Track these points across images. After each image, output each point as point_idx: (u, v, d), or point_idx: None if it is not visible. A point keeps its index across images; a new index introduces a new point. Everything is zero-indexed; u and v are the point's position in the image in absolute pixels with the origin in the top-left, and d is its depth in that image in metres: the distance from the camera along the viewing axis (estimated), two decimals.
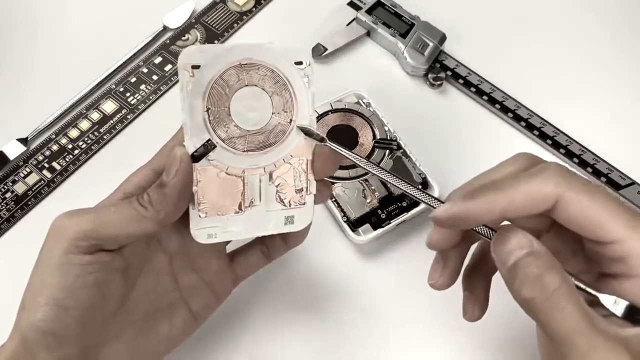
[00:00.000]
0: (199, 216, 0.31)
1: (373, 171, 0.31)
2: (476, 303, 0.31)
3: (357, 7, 0.53)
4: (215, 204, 0.31)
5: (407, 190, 0.31)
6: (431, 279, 0.31)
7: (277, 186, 0.32)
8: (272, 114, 0.31)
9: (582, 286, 0.28)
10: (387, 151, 0.45)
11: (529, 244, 0.27)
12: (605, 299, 0.27)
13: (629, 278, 0.26)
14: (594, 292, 0.27)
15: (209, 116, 0.30)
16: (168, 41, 0.53)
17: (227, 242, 0.36)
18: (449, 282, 0.31)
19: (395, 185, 0.31)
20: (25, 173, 0.47)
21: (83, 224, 0.29)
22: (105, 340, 0.31)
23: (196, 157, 0.30)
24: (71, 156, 0.47)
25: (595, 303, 0.27)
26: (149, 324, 0.33)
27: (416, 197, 0.30)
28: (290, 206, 0.32)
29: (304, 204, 0.33)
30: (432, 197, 0.30)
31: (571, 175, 0.27)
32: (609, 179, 0.46)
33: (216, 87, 0.30)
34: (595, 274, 0.29)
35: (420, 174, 0.44)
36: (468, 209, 0.28)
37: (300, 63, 0.31)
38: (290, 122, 0.32)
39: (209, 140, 0.30)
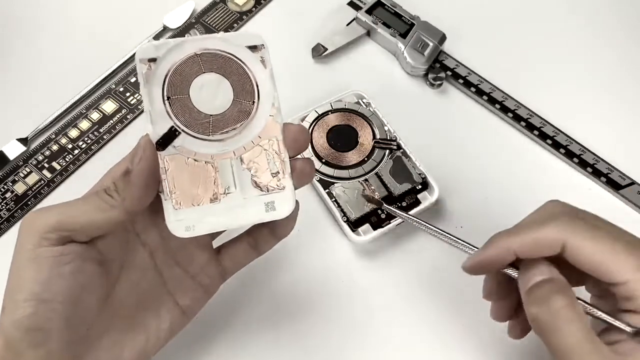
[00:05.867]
0: (173, 207, 0.31)
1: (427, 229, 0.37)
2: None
3: (357, 7, 0.53)
4: (188, 193, 0.31)
5: (452, 243, 0.35)
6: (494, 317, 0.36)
7: (250, 170, 0.32)
8: (234, 97, 0.32)
9: (611, 320, 0.30)
10: (387, 151, 0.45)
11: (548, 272, 0.30)
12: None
13: (637, 314, 0.28)
14: (628, 329, 0.29)
15: (170, 104, 0.31)
16: None
17: (213, 237, 0.36)
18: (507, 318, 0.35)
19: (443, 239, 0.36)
20: (25, 173, 0.47)
21: (51, 217, 0.29)
22: (93, 336, 0.31)
23: (161, 145, 0.30)
24: (71, 156, 0.47)
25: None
26: (137, 319, 0.33)
27: (458, 247, 0.35)
28: (268, 191, 0.32)
29: (283, 188, 0.32)
30: (468, 244, 0.35)
31: (578, 222, 0.30)
32: (609, 179, 0.46)
33: (174, 77, 0.31)
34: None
35: (420, 174, 0.44)
36: (486, 255, 0.32)
37: (254, 47, 0.32)
38: (253, 104, 0.32)
39: (172, 127, 0.31)
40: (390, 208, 0.41)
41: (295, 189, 0.32)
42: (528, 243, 0.30)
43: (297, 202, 0.32)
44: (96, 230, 0.30)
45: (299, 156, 0.33)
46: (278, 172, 0.32)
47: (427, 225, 0.37)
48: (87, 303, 0.30)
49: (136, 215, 0.30)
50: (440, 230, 0.36)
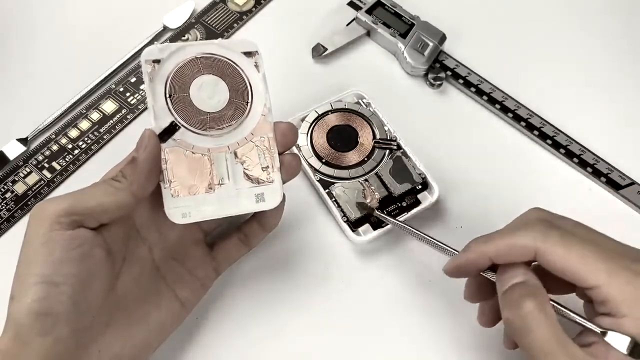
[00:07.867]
0: (172, 195, 0.33)
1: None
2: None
3: (357, 7, 0.53)
4: (185, 183, 0.33)
5: (432, 243, 0.37)
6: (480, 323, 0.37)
7: (243, 164, 0.34)
8: (229, 97, 0.35)
9: (581, 322, 0.30)
10: (387, 151, 0.45)
11: (522, 275, 0.31)
12: (612, 338, 0.29)
13: (611, 317, 0.29)
14: (598, 330, 0.30)
15: (171, 101, 0.34)
16: (168, 41, 0.53)
17: (206, 235, 0.38)
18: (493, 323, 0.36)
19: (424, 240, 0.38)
20: (25, 173, 0.47)
21: (62, 203, 0.30)
22: (97, 328, 0.32)
23: (162, 138, 0.33)
24: (71, 156, 0.47)
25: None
26: (139, 312, 0.34)
27: (438, 249, 0.37)
28: (258, 183, 0.34)
29: (272, 181, 0.35)
30: (452, 248, 0.36)
31: (551, 230, 0.30)
32: (609, 179, 0.46)
33: (176, 77, 0.34)
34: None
35: (420, 174, 0.44)
36: (463, 259, 0.33)
37: (249, 53, 0.35)
38: (247, 104, 0.35)
39: (173, 122, 0.33)
40: (381, 214, 0.41)
41: (284, 182, 0.35)
42: (501, 249, 0.32)
43: (284, 194, 0.35)
44: (105, 213, 0.31)
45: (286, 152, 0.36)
46: (268, 167, 0.35)
47: (413, 230, 0.39)
48: (94, 289, 0.31)
49: (140, 201, 0.32)
50: (427, 235, 0.38)
